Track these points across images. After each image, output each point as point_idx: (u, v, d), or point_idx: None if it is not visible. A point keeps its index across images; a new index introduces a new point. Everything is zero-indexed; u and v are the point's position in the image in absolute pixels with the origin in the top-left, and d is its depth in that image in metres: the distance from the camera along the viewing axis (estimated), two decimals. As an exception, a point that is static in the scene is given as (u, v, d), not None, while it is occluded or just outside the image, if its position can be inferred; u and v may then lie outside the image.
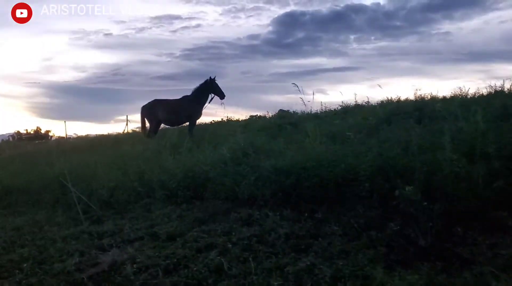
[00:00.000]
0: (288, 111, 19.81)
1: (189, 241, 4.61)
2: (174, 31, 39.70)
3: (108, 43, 40.87)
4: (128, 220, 5.67)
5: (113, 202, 6.53)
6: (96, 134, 20.91)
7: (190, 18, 40.61)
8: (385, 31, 40.66)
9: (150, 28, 39.79)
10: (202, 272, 3.84)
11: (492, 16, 39.06)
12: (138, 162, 7.60)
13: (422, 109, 9.12)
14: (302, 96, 8.73)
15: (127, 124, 15.63)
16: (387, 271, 3.41)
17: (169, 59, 42.38)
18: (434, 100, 10.50)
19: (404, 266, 3.47)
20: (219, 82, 12.18)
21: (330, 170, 5.29)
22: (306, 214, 4.89)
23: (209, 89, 12.07)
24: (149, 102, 12.31)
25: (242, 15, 41.57)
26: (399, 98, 11.49)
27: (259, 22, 46.63)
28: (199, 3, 41.09)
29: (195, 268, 3.92)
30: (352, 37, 43.31)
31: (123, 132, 19.38)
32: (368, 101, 11.77)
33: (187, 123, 12.51)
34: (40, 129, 30.26)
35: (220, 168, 6.22)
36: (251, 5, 40.25)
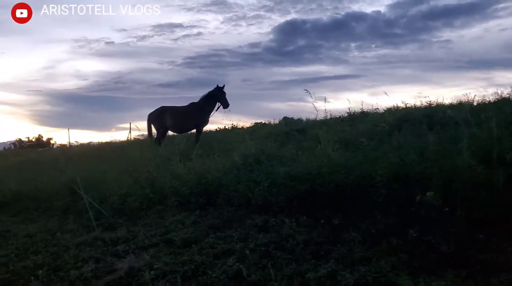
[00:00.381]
0: (292, 118, 19.87)
1: (205, 247, 4.57)
2: (176, 39, 39.86)
3: (109, 51, 41.08)
4: (142, 227, 5.64)
5: (125, 209, 6.50)
6: (98, 142, 20.86)
7: (191, 26, 40.72)
8: (385, 39, 40.75)
9: (152, 36, 39.93)
10: (221, 279, 3.81)
11: (493, 24, 39.18)
12: (149, 169, 7.58)
13: (431, 116, 9.10)
14: (314, 102, 8.70)
15: (130, 132, 15.60)
16: (411, 278, 3.37)
17: (170, 67, 42.63)
18: (441, 107, 10.49)
19: (428, 273, 3.43)
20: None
21: (346, 177, 5.26)
22: (323, 221, 4.86)
23: (217, 97, 12.04)
24: (156, 109, 12.30)
25: (243, 23, 41.70)
26: (406, 105, 11.49)
27: (260, 30, 46.80)
28: (200, 11, 41.27)
29: (213, 275, 3.88)
30: (353, 45, 43.44)
31: (127, 139, 19.37)
32: (377, 108, 11.75)
33: (194, 131, 12.49)
34: (42, 137, 30.28)
35: (233, 174, 6.20)
36: (252, 13, 40.37)
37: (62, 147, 23.23)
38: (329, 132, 7.27)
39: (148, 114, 12.44)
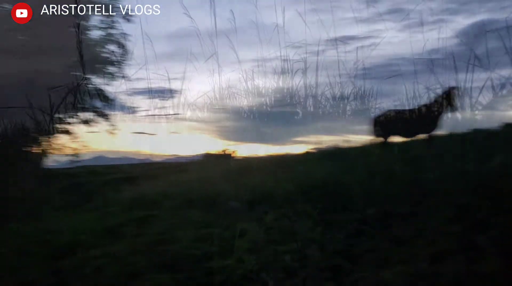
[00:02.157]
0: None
1: None
2: (350, 52, 39.27)
3: (285, 68, 42.36)
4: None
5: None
6: (278, 154, 21.21)
7: (365, 37, 39.73)
8: None
9: (325, 50, 39.98)
10: None
11: None
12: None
13: None
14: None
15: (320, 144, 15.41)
16: None
17: (344, 79, 42.18)
18: None
19: None
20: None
21: None
22: None
23: (447, 98, 11.14)
24: (382, 113, 11.86)
25: (422, 29, 39.16)
26: None
27: (441, 35, 43.52)
28: (375, 22, 40.22)
29: None
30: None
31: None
32: None
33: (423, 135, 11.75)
34: (226, 150, 32.39)
35: None
36: (432, 18, 37.62)
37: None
38: None
39: (373, 117, 12.06)
